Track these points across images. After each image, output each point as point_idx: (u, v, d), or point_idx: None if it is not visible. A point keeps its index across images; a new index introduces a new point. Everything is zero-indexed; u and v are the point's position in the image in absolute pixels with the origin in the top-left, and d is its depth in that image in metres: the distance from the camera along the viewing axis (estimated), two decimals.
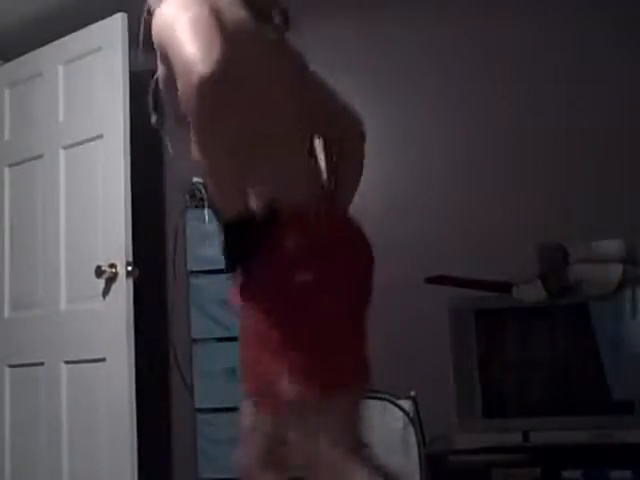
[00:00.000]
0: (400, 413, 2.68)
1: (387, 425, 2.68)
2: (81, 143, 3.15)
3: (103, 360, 2.92)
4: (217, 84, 1.31)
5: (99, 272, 2.91)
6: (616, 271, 2.59)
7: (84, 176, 3.12)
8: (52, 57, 3.27)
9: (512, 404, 2.63)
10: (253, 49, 1.54)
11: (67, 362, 3.04)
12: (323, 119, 1.75)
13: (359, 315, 1.58)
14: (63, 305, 3.09)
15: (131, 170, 3.01)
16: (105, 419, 2.90)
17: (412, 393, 2.73)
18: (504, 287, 2.68)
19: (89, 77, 3.15)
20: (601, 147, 2.93)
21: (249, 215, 1.42)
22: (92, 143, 3.11)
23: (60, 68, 3.24)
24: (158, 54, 1.51)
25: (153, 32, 1.49)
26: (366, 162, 3.18)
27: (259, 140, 1.48)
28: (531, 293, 2.62)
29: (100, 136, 3.08)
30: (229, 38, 1.39)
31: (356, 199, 3.13)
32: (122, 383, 2.85)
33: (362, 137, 1.80)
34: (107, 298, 2.95)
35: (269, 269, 1.46)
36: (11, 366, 3.22)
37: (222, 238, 1.45)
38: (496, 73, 3.09)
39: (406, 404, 2.70)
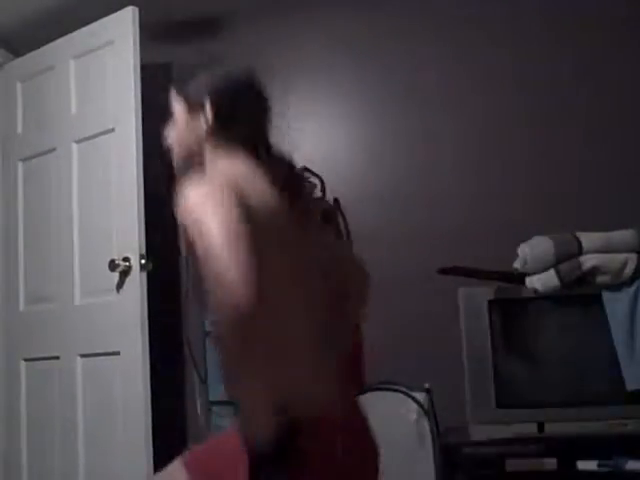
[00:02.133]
0: (414, 405, 2.68)
1: (401, 417, 2.68)
2: (93, 137, 3.16)
3: (118, 354, 2.93)
4: (249, 319, 1.32)
5: (113, 266, 2.92)
6: (630, 261, 2.58)
7: (96, 169, 3.13)
8: (64, 51, 3.28)
9: (526, 395, 2.62)
10: (280, 241, 1.52)
11: (82, 356, 3.05)
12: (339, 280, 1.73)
13: None
14: (77, 299, 3.11)
15: (143, 163, 3.01)
16: (120, 412, 2.91)
17: (426, 385, 2.73)
18: (517, 277, 2.67)
19: (101, 71, 3.16)
20: (615, 137, 2.92)
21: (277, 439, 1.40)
22: (104, 136, 3.12)
23: (72, 62, 3.25)
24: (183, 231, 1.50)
25: (181, 213, 1.48)
26: (379, 156, 3.21)
27: (278, 353, 1.46)
28: (545, 283, 2.61)
29: (112, 129, 3.09)
30: (256, 246, 1.38)
31: (371, 193, 3.16)
32: (136, 376, 2.86)
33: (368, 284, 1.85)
34: (121, 292, 2.96)
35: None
36: (27, 360, 3.25)
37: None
38: (507, 68, 3.08)
39: (420, 396, 2.71)
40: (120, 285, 2.96)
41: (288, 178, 1.63)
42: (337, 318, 1.68)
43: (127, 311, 2.92)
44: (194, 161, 1.67)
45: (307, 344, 1.52)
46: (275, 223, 1.52)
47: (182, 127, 1.69)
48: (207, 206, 1.42)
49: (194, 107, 1.65)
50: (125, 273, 2.94)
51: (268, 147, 1.68)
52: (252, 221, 1.42)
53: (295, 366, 1.48)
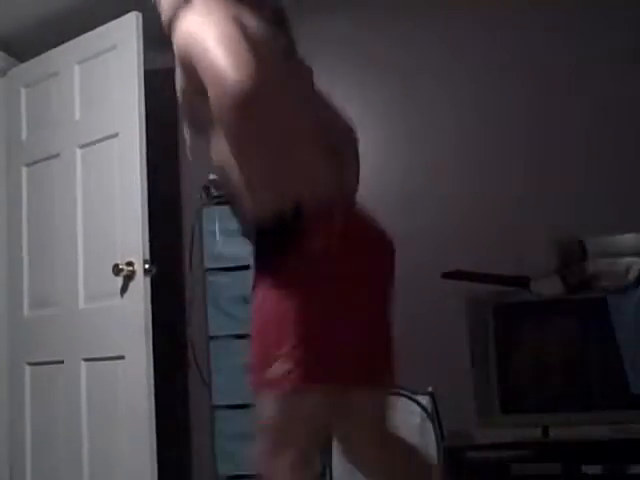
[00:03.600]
0: (418, 408, 2.68)
1: (405, 420, 2.67)
2: (97, 142, 3.16)
3: (122, 358, 2.93)
4: (251, 93, 1.32)
5: (117, 270, 2.92)
6: (634, 265, 2.58)
7: (100, 175, 3.14)
8: (67, 56, 3.29)
9: (531, 399, 2.62)
10: (276, 58, 1.56)
11: (86, 360, 3.06)
12: (327, 127, 1.75)
13: (381, 307, 1.59)
14: (82, 303, 3.11)
15: (147, 168, 3.02)
16: (124, 416, 2.91)
17: (430, 388, 2.73)
18: (522, 282, 2.67)
19: (104, 76, 3.17)
20: (618, 143, 2.91)
21: (281, 215, 1.45)
22: (108, 142, 3.12)
23: (75, 67, 3.26)
24: (179, 62, 1.51)
25: (176, 41, 1.50)
26: (381, 159, 3.21)
27: (286, 146, 1.49)
28: (549, 287, 2.61)
29: (116, 134, 3.09)
30: (256, 48, 1.40)
31: (374, 195, 3.15)
32: (140, 380, 2.86)
33: (356, 142, 1.82)
34: (125, 296, 2.96)
35: (298, 264, 1.47)
36: (31, 364, 3.25)
37: (253, 237, 1.49)
38: (512, 70, 3.08)
39: (424, 399, 2.70)
40: (124, 289, 2.96)
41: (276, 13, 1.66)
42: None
43: (131, 315, 2.92)
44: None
45: (313, 139, 1.56)
46: (270, 50, 1.52)
47: None
48: (203, 22, 1.43)
49: None
50: (129, 277, 2.95)
51: None
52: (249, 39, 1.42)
53: (302, 155, 1.51)
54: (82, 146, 3.20)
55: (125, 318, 2.94)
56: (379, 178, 3.19)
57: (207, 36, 1.41)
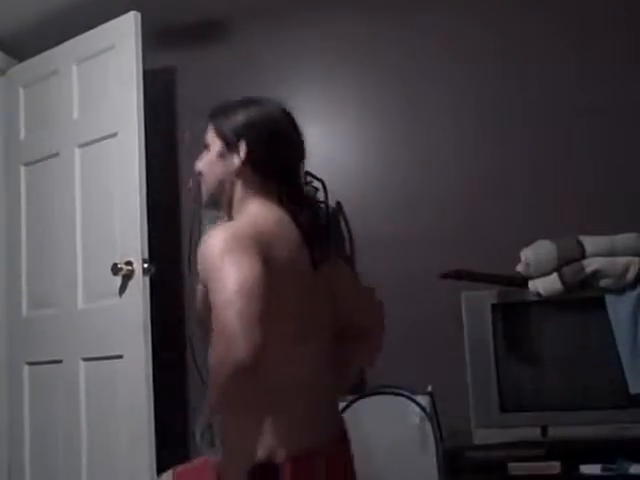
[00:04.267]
0: (417, 409, 2.68)
1: (404, 421, 2.68)
2: (96, 141, 3.17)
3: (120, 357, 2.94)
4: (252, 366, 1.32)
5: (115, 270, 2.93)
6: (633, 264, 2.58)
7: (99, 174, 3.14)
8: (66, 56, 3.29)
9: (529, 399, 2.61)
10: (293, 288, 1.54)
11: (85, 359, 3.06)
12: (350, 322, 1.75)
13: None
14: (80, 303, 3.11)
15: (146, 167, 3.02)
16: (123, 415, 2.91)
17: (429, 388, 2.73)
18: (520, 281, 2.67)
19: (103, 75, 3.17)
20: (618, 142, 2.91)
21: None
22: (107, 141, 3.13)
23: (74, 67, 3.26)
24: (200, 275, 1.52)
25: (200, 256, 1.50)
26: (380, 160, 3.21)
27: (277, 392, 1.51)
28: (548, 287, 2.61)
29: (115, 134, 3.09)
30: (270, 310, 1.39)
31: (373, 196, 3.16)
32: (139, 380, 2.87)
33: (382, 328, 1.82)
34: (124, 295, 2.96)
35: None
36: (30, 364, 3.25)
37: None
38: (509, 69, 3.08)
39: (423, 399, 2.70)
40: (123, 289, 2.96)
41: (312, 225, 1.66)
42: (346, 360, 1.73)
43: (130, 315, 2.92)
44: (224, 198, 1.70)
45: (307, 392, 1.56)
46: (294, 271, 1.54)
47: (216, 161, 1.69)
48: (228, 255, 1.42)
49: (230, 144, 1.67)
50: (128, 277, 2.95)
51: (298, 191, 1.71)
52: (272, 272, 1.44)
53: (289, 414, 1.52)
54: (81, 145, 3.21)
55: (124, 318, 2.94)
56: (379, 178, 3.19)
57: (227, 275, 1.40)
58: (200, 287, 1.57)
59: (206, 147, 1.72)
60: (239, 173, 1.66)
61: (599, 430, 2.47)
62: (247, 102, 1.72)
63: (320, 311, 1.63)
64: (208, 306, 1.44)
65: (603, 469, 2.39)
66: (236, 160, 1.65)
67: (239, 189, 1.67)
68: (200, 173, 1.73)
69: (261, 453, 1.47)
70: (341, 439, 1.66)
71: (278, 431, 1.49)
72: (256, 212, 1.61)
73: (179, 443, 3.05)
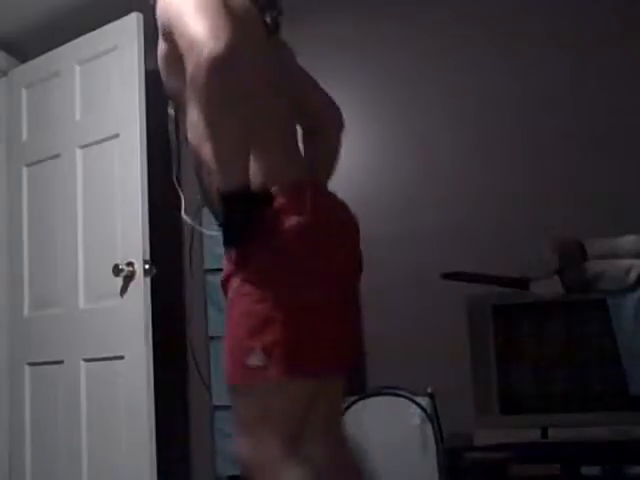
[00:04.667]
0: (418, 410, 2.68)
1: (405, 422, 2.68)
2: (98, 142, 3.17)
3: (121, 358, 2.94)
4: (226, 60, 1.34)
5: (117, 271, 2.93)
6: (634, 267, 2.58)
7: (101, 175, 3.14)
8: (68, 57, 3.29)
9: (530, 400, 2.61)
10: (255, 35, 1.59)
11: (86, 360, 3.06)
12: (306, 110, 1.82)
13: (350, 294, 1.63)
14: (82, 304, 3.12)
15: (147, 169, 3.02)
16: (124, 416, 2.92)
17: (429, 390, 2.73)
18: (521, 283, 2.67)
19: (105, 76, 3.17)
20: (619, 144, 2.91)
21: (249, 190, 1.45)
22: (108, 142, 3.13)
23: (76, 68, 3.27)
24: (161, 32, 1.54)
25: (158, 10, 1.53)
26: (381, 161, 3.21)
27: (257, 125, 1.50)
28: (549, 289, 2.61)
29: (116, 135, 3.10)
30: (235, 20, 1.42)
31: (374, 197, 3.15)
32: (140, 380, 2.87)
33: (341, 126, 1.87)
34: (125, 296, 2.97)
35: (268, 255, 1.48)
36: (31, 364, 3.25)
37: (222, 213, 1.48)
38: (510, 66, 3.07)
39: (423, 401, 2.70)
40: (124, 290, 2.97)
41: None
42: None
43: (131, 316, 2.93)
44: None
45: (279, 117, 1.61)
46: (250, 23, 1.57)
47: None
48: None
49: None
50: (129, 278, 2.95)
51: None
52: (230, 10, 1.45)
53: (272, 132, 1.56)
54: (83, 146, 3.21)
55: (125, 318, 2.95)
56: (378, 179, 3.20)
57: (186, 1, 1.43)
58: (162, 48, 1.57)
59: None
60: None
61: (599, 432, 2.47)
62: None
63: (280, 76, 1.66)
64: (173, 66, 1.49)
65: (603, 471, 2.39)
66: None
67: None
68: None
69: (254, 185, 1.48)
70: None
71: (267, 165, 1.52)
72: None
73: (180, 443, 3.05)
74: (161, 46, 1.58)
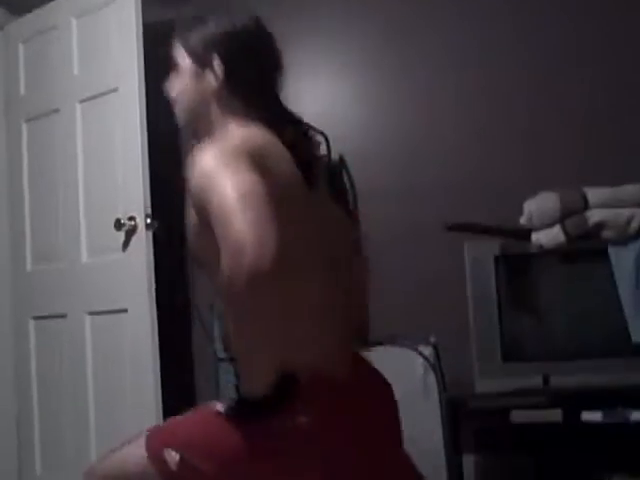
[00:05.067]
0: (421, 359, 2.71)
1: (408, 372, 2.70)
2: (97, 97, 3.14)
3: (125, 311, 2.95)
4: (268, 278, 1.21)
5: (118, 225, 2.93)
6: (636, 216, 2.58)
7: (101, 129, 3.12)
8: (66, 10, 3.25)
9: (532, 348, 2.64)
10: (296, 210, 1.43)
11: (90, 313, 3.08)
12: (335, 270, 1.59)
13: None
14: (84, 258, 3.12)
15: (147, 122, 3.00)
16: (129, 369, 2.94)
17: (432, 339, 2.75)
18: (523, 233, 2.68)
19: (103, 30, 3.13)
20: (622, 91, 2.89)
21: (269, 390, 1.34)
22: (108, 96, 3.10)
23: (74, 21, 3.22)
24: (191, 198, 1.40)
25: (193, 176, 1.37)
26: (382, 112, 3.19)
27: (290, 316, 1.37)
28: (550, 239, 2.62)
29: (115, 89, 3.07)
30: (279, 207, 1.28)
31: (375, 149, 3.14)
32: (145, 334, 2.89)
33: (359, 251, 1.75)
34: (127, 250, 2.97)
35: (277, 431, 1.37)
36: (35, 318, 3.27)
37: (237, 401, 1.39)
38: (510, 21, 3.05)
39: (426, 350, 2.73)
40: (126, 244, 2.97)
41: (299, 139, 1.53)
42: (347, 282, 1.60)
43: (134, 269, 2.93)
44: (201, 122, 1.57)
45: (317, 309, 1.45)
46: (292, 187, 1.44)
47: (189, 82, 1.57)
48: (221, 168, 1.31)
49: (201, 60, 1.54)
50: (131, 232, 2.95)
51: (279, 105, 1.58)
52: (269, 184, 1.32)
53: (303, 328, 1.42)
54: (82, 101, 3.19)
55: (128, 272, 2.95)
56: (382, 131, 3.18)
57: (226, 184, 1.28)
58: (192, 217, 1.42)
59: (175, 68, 1.58)
60: (215, 93, 1.52)
61: (601, 378, 2.50)
62: (217, 15, 1.58)
63: (327, 232, 1.50)
64: (202, 235, 1.36)
65: (604, 416, 2.43)
66: (211, 78, 1.51)
67: (216, 111, 1.53)
68: (172, 98, 1.60)
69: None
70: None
71: (291, 348, 1.37)
72: (241, 131, 1.47)
73: (184, 396, 3.08)
74: (190, 211, 1.43)
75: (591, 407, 2.45)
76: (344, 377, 1.44)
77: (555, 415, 2.44)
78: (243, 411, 1.37)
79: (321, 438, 1.38)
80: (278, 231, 1.23)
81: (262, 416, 1.36)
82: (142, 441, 1.49)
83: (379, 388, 1.58)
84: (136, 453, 1.48)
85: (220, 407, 1.41)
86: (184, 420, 1.52)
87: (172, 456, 1.42)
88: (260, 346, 1.31)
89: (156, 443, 1.47)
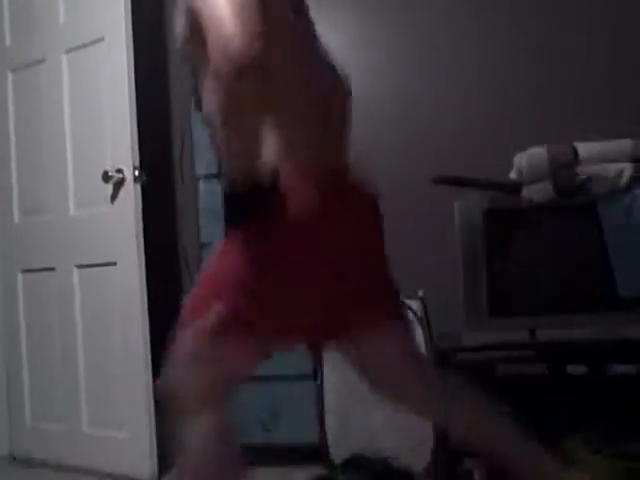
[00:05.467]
0: (408, 313, 2.71)
1: None
2: (83, 46, 3.09)
3: (114, 264, 2.95)
4: (252, 70, 1.31)
5: (106, 177, 2.91)
6: (625, 170, 2.57)
7: (88, 80, 3.08)
8: None
9: (519, 303, 2.64)
10: (283, 29, 1.55)
11: (78, 266, 3.08)
12: (319, 84, 1.72)
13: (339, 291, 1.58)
14: (72, 210, 3.11)
15: (135, 73, 2.96)
16: (118, 322, 2.95)
17: (420, 293, 2.76)
18: (513, 187, 2.66)
19: None
20: (613, 47, 2.86)
21: (254, 185, 1.45)
22: (94, 46, 3.05)
23: None
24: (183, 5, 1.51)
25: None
26: (375, 62, 3.15)
27: (275, 112, 1.49)
28: (540, 193, 2.61)
29: (102, 38, 3.02)
30: (266, 15, 1.38)
31: (367, 99, 3.11)
32: (133, 287, 2.89)
33: (349, 94, 1.79)
34: (115, 203, 2.96)
35: (264, 232, 1.48)
36: (23, 271, 3.27)
37: (226, 202, 1.50)
38: None
39: (414, 304, 2.74)
40: (114, 197, 2.95)
41: None
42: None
43: (122, 222, 2.92)
44: None
45: (303, 120, 1.55)
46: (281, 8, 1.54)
47: None
48: None
49: None
50: (119, 185, 2.93)
51: None
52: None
53: (289, 134, 1.51)
54: (68, 51, 3.14)
55: (116, 225, 2.94)
56: (373, 83, 3.15)
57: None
58: (184, 23, 1.54)
59: None
60: None
61: (587, 333, 2.51)
62: None
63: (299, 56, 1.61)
64: (194, 41, 1.45)
65: (589, 370, 2.45)
66: None
67: None
68: None
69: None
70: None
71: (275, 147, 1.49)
72: None
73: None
74: (182, 19, 1.54)
75: (576, 361, 2.47)
76: (330, 186, 1.52)
77: (540, 369, 2.46)
78: (234, 213, 1.48)
79: (301, 243, 1.48)
80: (265, 34, 1.33)
81: (250, 216, 1.45)
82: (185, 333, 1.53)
83: (363, 201, 1.66)
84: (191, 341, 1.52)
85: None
86: (199, 281, 1.59)
87: (212, 311, 1.47)
88: (243, 136, 1.41)
89: (191, 315, 1.51)
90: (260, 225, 1.47)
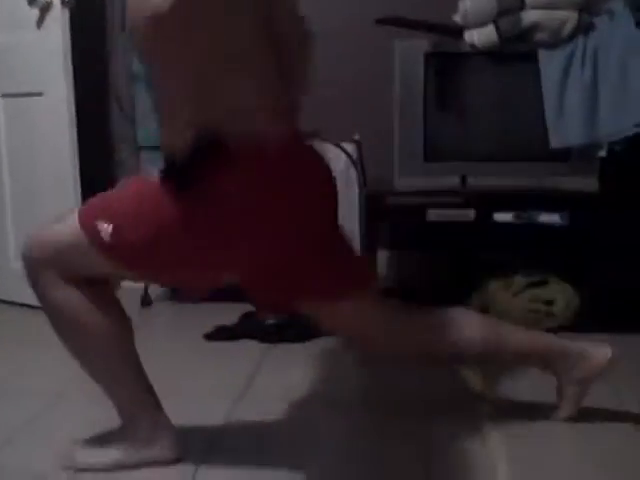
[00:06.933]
0: (342, 155, 2.71)
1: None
2: None
3: (40, 94, 2.83)
4: (169, 19, 1.28)
5: (31, 1, 2.73)
6: (570, 19, 2.53)
7: None
8: None
9: (453, 149, 2.65)
10: None
11: (3, 96, 2.95)
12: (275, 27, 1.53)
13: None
14: None
15: None
16: (47, 154, 2.86)
17: (356, 136, 2.74)
18: (456, 31, 2.61)
19: None
20: None
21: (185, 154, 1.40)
22: None
23: None
24: None
25: None
26: None
27: (212, 64, 1.40)
28: (483, 38, 2.56)
29: None
30: None
31: None
32: (62, 118, 2.78)
33: (309, 36, 1.65)
34: (42, 29, 2.79)
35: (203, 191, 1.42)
36: None
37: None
38: None
39: (349, 147, 2.73)
40: (40, 22, 2.78)
41: None
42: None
43: (49, 49, 2.77)
44: None
45: (251, 71, 1.44)
46: None
47: None
48: None
49: None
50: (45, 9, 2.76)
51: None
52: None
53: (233, 90, 1.42)
54: None
55: (43, 52, 2.79)
56: None
57: None
58: None
59: None
60: None
61: (517, 181, 2.56)
62: None
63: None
64: None
65: (515, 217, 2.51)
66: None
67: None
68: None
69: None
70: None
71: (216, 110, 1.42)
72: None
73: (103, 180, 3.04)
74: None
75: (503, 208, 2.52)
76: (279, 149, 1.44)
77: (468, 215, 2.51)
78: (169, 173, 1.43)
79: (254, 206, 1.43)
80: None
81: (187, 177, 1.40)
82: (74, 217, 1.51)
83: (317, 167, 1.60)
84: (68, 229, 1.52)
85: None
86: (115, 193, 1.56)
87: (105, 227, 1.46)
88: (178, 102, 1.40)
89: (89, 216, 1.50)
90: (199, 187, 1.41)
